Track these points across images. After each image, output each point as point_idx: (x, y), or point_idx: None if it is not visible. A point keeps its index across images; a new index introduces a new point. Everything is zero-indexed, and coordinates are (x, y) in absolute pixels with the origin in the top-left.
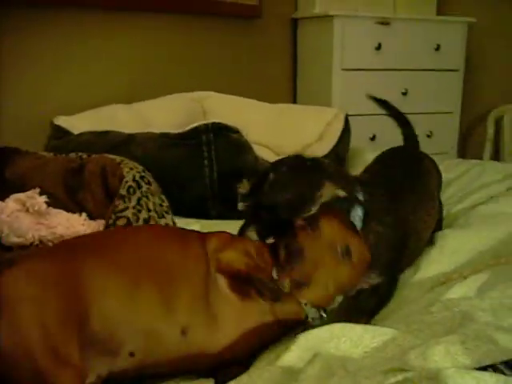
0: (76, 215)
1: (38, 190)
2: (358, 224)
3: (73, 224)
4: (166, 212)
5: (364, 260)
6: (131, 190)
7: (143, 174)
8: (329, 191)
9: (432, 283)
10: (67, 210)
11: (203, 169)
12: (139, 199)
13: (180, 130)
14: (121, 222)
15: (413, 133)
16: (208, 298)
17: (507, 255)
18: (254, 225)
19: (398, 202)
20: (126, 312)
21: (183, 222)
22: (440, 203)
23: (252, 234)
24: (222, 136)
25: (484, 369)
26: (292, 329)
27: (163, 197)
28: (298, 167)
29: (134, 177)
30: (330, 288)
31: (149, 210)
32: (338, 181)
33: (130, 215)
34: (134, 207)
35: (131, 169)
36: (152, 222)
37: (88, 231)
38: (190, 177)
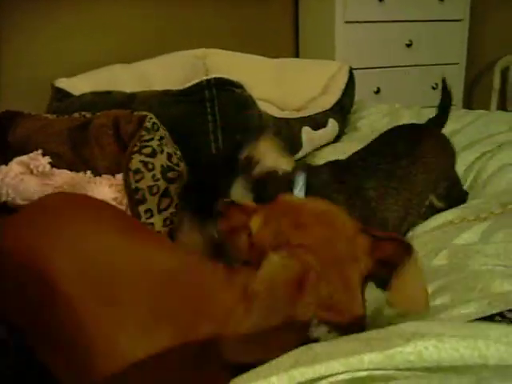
0: (81, 173)
1: (40, 151)
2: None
3: (79, 182)
4: (180, 160)
5: None
6: (155, 126)
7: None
8: None
9: (436, 228)
10: (73, 169)
11: (207, 125)
12: (161, 137)
13: (182, 87)
14: (146, 151)
15: (447, 111)
16: None
17: None
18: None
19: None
20: None
21: None
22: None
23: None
24: (225, 91)
25: (491, 318)
26: None
27: (176, 146)
28: None
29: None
30: None
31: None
32: None
33: (155, 146)
34: (158, 140)
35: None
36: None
37: (95, 189)
38: (193, 133)
